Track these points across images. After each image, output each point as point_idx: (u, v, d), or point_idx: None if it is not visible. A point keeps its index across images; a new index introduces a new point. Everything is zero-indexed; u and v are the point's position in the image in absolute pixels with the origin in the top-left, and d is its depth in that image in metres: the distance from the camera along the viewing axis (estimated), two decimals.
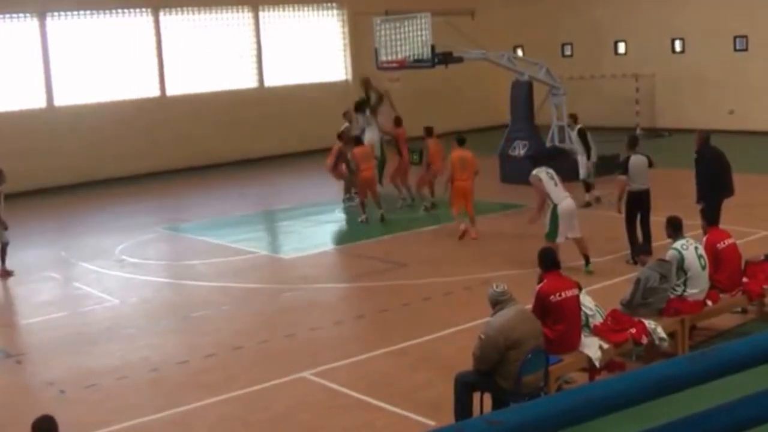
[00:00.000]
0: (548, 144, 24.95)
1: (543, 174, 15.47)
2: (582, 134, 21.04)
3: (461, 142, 19.33)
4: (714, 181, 15.12)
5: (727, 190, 15.34)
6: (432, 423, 9.53)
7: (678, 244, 11.71)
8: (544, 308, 9.87)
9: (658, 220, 13.13)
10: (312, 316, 14.15)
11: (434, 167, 21.14)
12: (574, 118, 22.01)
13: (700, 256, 11.60)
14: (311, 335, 13.16)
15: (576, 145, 21.24)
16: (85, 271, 17.85)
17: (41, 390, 11.68)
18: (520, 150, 24.05)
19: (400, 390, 10.76)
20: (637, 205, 15.53)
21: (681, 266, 11.46)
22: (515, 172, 23.11)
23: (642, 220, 15.66)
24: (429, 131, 21.29)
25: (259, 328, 13.65)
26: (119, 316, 14.69)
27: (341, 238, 20.36)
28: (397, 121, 22.84)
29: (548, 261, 10.29)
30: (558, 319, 9.90)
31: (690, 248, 11.63)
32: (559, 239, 15.00)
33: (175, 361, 12.31)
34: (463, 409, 9.20)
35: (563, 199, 15.32)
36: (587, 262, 15.27)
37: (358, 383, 11.11)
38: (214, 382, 11.44)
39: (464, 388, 9.26)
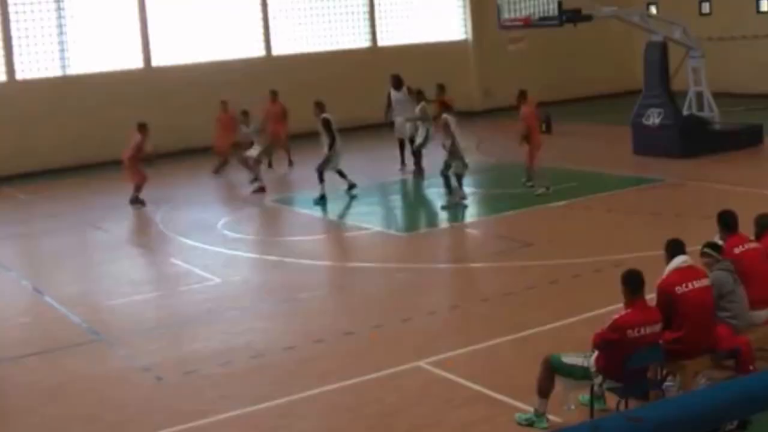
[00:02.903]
0: (685, 112, 24.31)
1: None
2: (326, 124, 19.91)
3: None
4: None
5: None
6: (558, 420, 9.29)
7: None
8: (669, 304, 9.21)
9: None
10: (429, 299, 14.00)
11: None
12: (320, 107, 20.63)
13: None
14: (428, 320, 12.98)
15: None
16: (184, 246, 17.95)
17: (136, 376, 11.70)
18: (654, 119, 23.42)
19: (524, 383, 10.40)
20: None
21: None
22: (650, 143, 22.62)
23: None
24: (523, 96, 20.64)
25: (371, 312, 13.54)
26: (221, 296, 14.69)
27: (459, 215, 19.89)
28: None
29: (675, 248, 9.52)
30: (684, 315, 9.16)
31: None
32: None
33: (281, 347, 12.26)
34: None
35: None
36: None
37: (478, 374, 10.89)
38: (322, 371, 11.33)
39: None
